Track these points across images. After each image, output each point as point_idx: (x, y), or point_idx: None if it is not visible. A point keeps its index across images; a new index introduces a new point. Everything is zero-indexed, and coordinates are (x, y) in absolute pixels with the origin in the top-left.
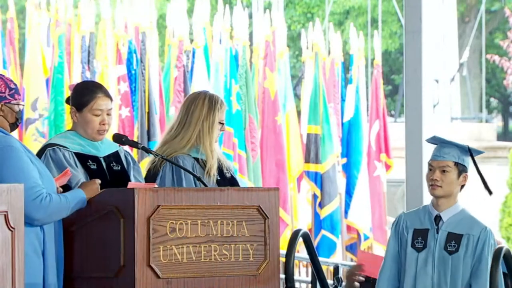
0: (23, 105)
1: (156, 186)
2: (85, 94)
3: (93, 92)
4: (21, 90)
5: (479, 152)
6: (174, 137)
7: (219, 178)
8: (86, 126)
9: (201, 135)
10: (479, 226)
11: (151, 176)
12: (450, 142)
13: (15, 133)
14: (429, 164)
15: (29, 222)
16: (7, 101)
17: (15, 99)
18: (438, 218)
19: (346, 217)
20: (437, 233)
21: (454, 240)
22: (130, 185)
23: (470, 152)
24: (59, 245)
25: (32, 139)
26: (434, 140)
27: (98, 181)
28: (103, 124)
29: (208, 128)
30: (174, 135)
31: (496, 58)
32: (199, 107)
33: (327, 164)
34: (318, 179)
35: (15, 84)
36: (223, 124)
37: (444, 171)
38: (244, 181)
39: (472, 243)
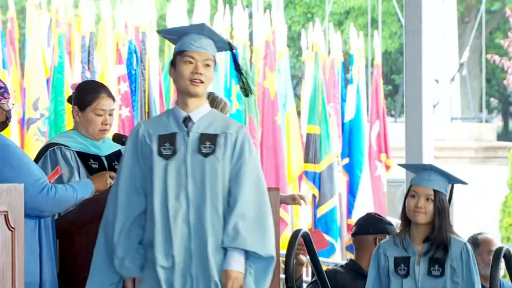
0: (13, 104)
1: None
2: (88, 94)
3: (96, 92)
4: (22, 90)
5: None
6: None
7: None
8: (88, 126)
9: None
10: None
11: None
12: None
13: (16, 134)
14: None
15: (39, 215)
16: None
17: (5, 98)
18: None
19: (350, 217)
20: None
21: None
22: None
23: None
24: (54, 243)
25: (33, 139)
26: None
27: (109, 173)
28: (105, 124)
29: None
30: None
31: (496, 58)
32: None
33: (324, 164)
34: (316, 179)
35: (4, 83)
36: None
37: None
38: None
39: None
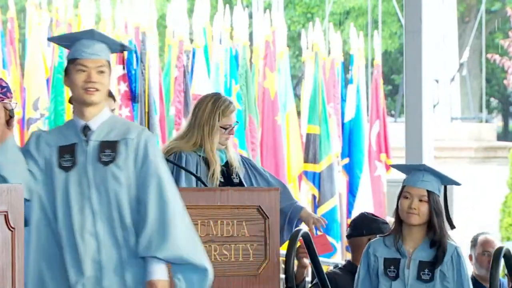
0: (16, 103)
1: None
2: None
3: None
4: (22, 90)
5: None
6: (182, 138)
7: (223, 181)
8: None
9: (203, 139)
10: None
11: None
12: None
13: (16, 134)
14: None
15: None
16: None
17: (7, 97)
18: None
19: (349, 217)
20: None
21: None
22: None
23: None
24: None
25: None
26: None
27: None
28: None
29: (209, 133)
30: (182, 136)
31: (497, 57)
32: (202, 110)
33: (323, 164)
34: (316, 179)
35: (6, 83)
36: (227, 128)
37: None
38: None
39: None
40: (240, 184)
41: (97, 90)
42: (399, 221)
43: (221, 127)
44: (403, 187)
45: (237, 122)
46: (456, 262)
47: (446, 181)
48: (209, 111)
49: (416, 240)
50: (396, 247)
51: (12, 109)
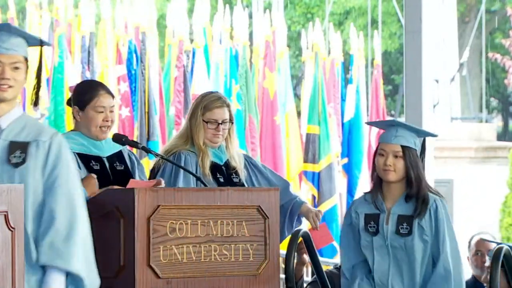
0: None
1: (162, 180)
2: (87, 92)
3: (95, 90)
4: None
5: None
6: (180, 137)
7: (223, 181)
8: (89, 124)
9: (192, 133)
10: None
11: (155, 174)
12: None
13: None
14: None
15: None
16: None
17: None
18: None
19: None
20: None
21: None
22: (131, 182)
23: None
24: None
25: None
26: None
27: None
28: (106, 121)
29: (196, 127)
30: (179, 134)
31: (498, 56)
32: (192, 105)
33: (323, 164)
34: (315, 179)
35: None
36: (213, 122)
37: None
38: None
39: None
40: (240, 183)
41: (10, 86)
42: (377, 178)
43: (205, 121)
44: (379, 144)
45: (231, 121)
46: (434, 214)
47: (421, 134)
48: (195, 105)
49: (396, 196)
50: (374, 204)
51: None
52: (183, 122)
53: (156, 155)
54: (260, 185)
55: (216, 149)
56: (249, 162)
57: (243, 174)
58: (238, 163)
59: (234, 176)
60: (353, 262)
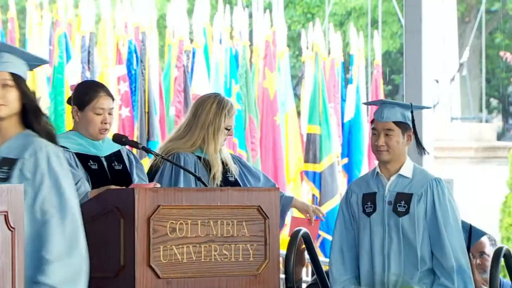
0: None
1: (157, 184)
2: (87, 93)
3: (95, 91)
4: None
5: (420, 107)
6: (180, 138)
7: (220, 181)
8: (87, 125)
9: (206, 140)
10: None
11: (152, 173)
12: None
13: None
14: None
15: None
16: None
17: None
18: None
19: None
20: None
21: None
22: (133, 186)
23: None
24: None
25: None
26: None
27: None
28: (105, 123)
29: (214, 134)
30: (181, 136)
31: (509, 55)
32: (206, 111)
33: (324, 164)
34: (316, 179)
35: None
36: (229, 129)
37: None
38: None
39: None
40: (236, 182)
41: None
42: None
43: (227, 129)
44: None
45: None
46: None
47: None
48: (215, 112)
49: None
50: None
51: None
52: (181, 122)
53: (156, 155)
54: (250, 181)
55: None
56: (238, 161)
57: (236, 170)
58: (231, 161)
59: (230, 175)
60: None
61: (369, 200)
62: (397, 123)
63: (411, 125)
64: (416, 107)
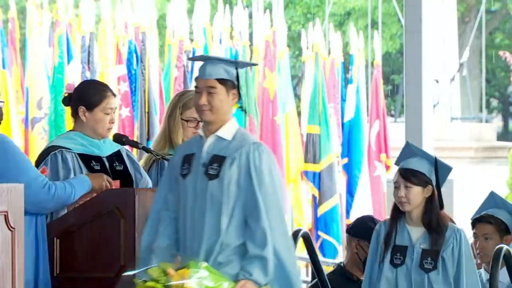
0: (3, 102)
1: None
2: (95, 94)
3: (103, 91)
4: (24, 90)
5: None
6: (156, 141)
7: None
8: (96, 125)
9: (171, 133)
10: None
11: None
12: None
13: (19, 133)
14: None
15: (39, 211)
16: None
17: None
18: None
19: (348, 217)
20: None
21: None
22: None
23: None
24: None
25: (39, 137)
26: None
27: (106, 176)
28: (112, 123)
29: (174, 126)
30: (156, 138)
31: (508, 55)
32: (169, 105)
33: (323, 163)
34: (316, 179)
35: None
36: (192, 121)
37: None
38: None
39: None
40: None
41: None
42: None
43: (185, 120)
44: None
45: None
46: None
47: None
48: (174, 103)
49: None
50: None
51: (0, 109)
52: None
53: (157, 155)
54: None
55: None
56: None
57: None
58: None
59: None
60: None
61: (187, 162)
62: (220, 81)
63: (235, 83)
64: (243, 64)
